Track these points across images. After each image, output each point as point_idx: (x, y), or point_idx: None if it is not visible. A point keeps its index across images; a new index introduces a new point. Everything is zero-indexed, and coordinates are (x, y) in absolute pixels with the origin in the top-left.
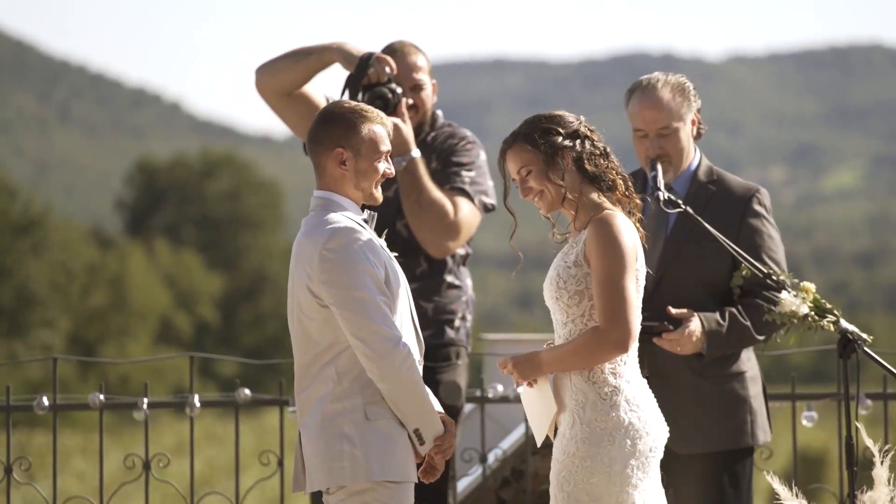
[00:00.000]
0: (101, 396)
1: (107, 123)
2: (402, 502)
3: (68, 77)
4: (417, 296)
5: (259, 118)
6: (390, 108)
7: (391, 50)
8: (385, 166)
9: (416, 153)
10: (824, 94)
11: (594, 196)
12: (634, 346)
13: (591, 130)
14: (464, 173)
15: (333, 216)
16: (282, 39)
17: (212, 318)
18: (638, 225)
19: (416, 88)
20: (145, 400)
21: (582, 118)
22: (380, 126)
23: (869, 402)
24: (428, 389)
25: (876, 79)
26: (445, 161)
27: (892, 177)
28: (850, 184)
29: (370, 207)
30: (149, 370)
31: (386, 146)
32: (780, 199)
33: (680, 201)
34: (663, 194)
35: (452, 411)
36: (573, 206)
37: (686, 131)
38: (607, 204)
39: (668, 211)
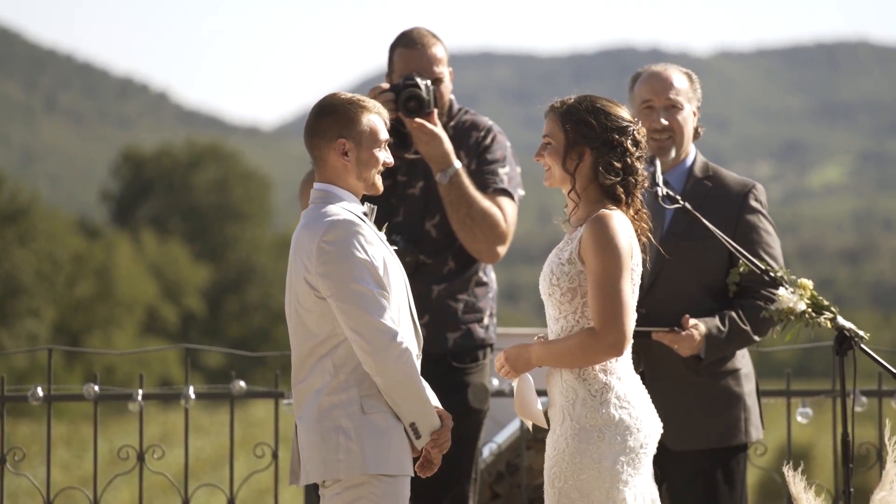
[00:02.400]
0: (96, 387)
1: (93, 113)
2: (397, 496)
3: (55, 66)
4: (446, 296)
5: (246, 108)
6: (426, 107)
7: (411, 41)
8: (385, 155)
9: (457, 164)
10: (811, 89)
11: (598, 196)
12: (629, 346)
13: (633, 142)
14: (500, 171)
15: (332, 208)
16: (271, 30)
17: (198, 308)
18: (644, 231)
19: (436, 82)
20: (140, 391)
21: (637, 126)
22: (378, 116)
23: (864, 399)
24: (425, 383)
25: (862, 75)
26: (480, 159)
27: (877, 173)
28: (836, 180)
29: (371, 199)
30: (135, 361)
31: (385, 135)
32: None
33: (679, 197)
34: (662, 190)
35: (479, 415)
36: (575, 199)
37: (690, 117)
38: (607, 204)
39: (667, 207)
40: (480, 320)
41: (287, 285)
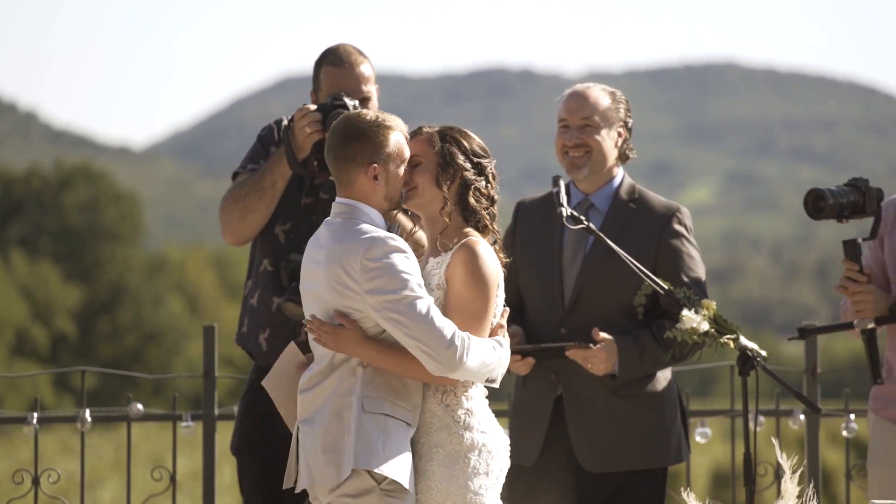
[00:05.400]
0: None
1: None
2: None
3: None
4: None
5: (116, 128)
6: None
7: (338, 59)
8: (403, 170)
9: None
10: (680, 111)
11: (460, 223)
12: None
13: (493, 176)
14: None
15: (365, 227)
16: (141, 50)
17: (69, 330)
18: (502, 261)
19: (363, 101)
20: (35, 415)
21: (494, 162)
22: (401, 133)
23: (762, 418)
24: None
25: (730, 97)
26: None
27: (745, 193)
28: (705, 200)
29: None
30: (5, 383)
31: (408, 152)
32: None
33: (582, 217)
34: (566, 210)
35: None
36: (442, 224)
37: (611, 136)
38: (472, 231)
39: (570, 227)
40: None
41: (311, 297)
